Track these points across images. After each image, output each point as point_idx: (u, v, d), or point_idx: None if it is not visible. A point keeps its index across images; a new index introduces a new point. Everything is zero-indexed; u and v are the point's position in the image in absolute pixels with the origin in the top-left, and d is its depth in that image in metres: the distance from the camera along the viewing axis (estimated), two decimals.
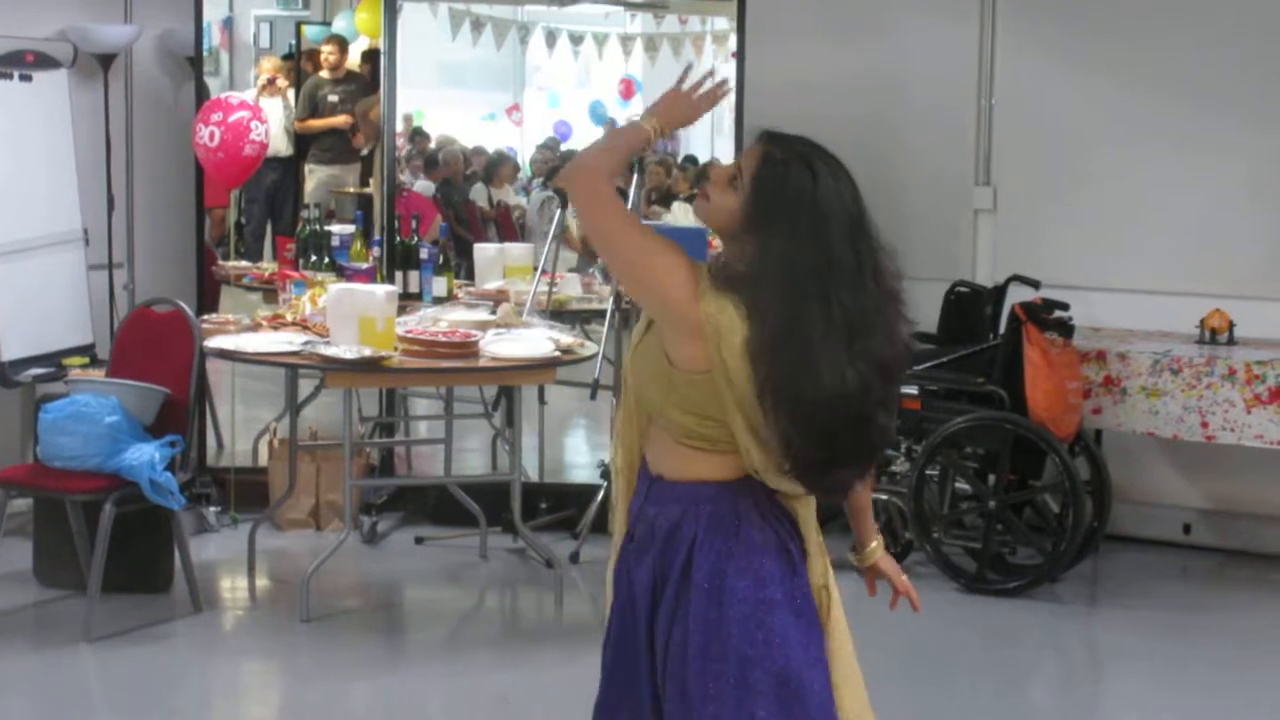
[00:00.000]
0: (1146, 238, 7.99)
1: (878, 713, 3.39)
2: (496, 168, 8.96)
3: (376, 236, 8.02)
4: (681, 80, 3.34)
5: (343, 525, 7.07)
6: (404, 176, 8.52)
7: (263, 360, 6.70)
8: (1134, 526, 7.93)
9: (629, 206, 7.36)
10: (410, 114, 8.68)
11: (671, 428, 3.22)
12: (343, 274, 7.72)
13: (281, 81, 8.80)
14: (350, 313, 6.52)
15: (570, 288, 8.04)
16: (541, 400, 7.98)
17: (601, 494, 7.38)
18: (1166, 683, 6.27)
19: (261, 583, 7.25)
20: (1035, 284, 7.61)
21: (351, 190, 8.94)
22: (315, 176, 8.94)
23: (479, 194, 8.91)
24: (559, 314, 7.63)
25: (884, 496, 7.26)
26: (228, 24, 8.89)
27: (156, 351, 6.62)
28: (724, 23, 8.51)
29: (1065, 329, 7.15)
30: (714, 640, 3.16)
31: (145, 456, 6.20)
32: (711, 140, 8.94)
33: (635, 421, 3.34)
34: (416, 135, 8.71)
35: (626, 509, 3.35)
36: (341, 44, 8.92)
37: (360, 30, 8.86)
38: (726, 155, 8.32)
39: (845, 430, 3.12)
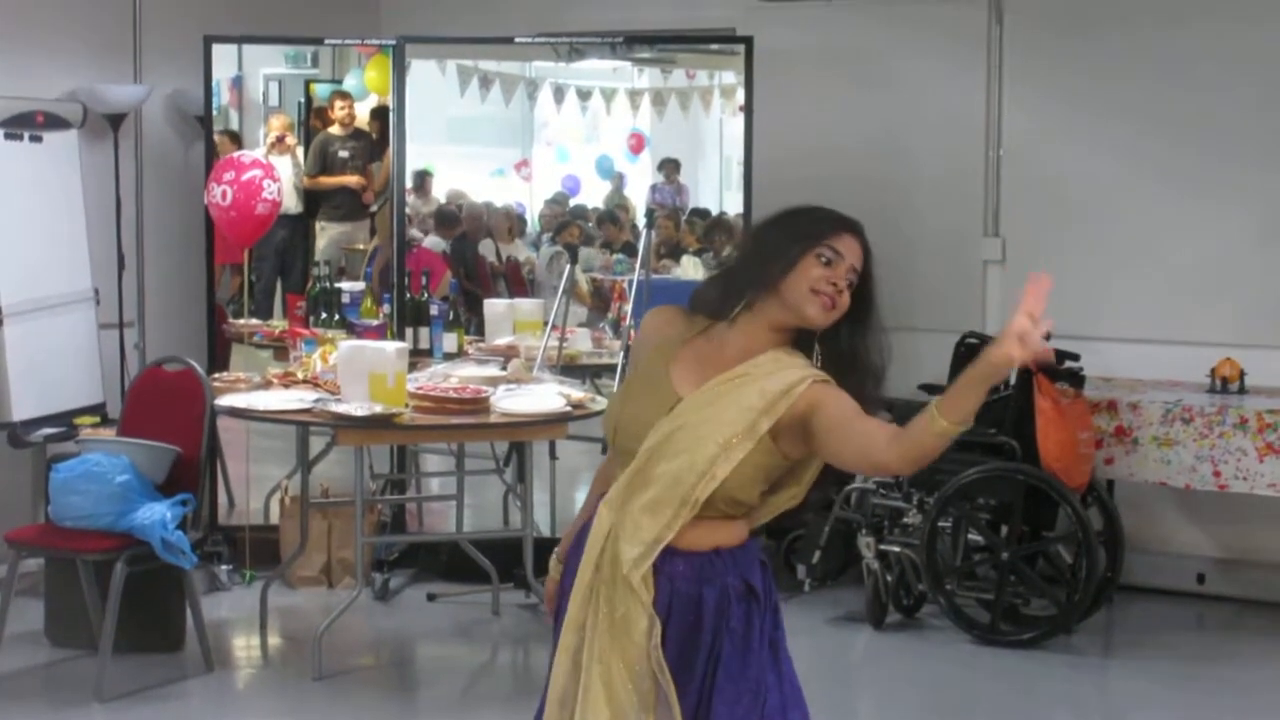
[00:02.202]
0: (1156, 287, 8.00)
1: None
2: (494, 221, 8.98)
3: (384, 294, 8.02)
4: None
5: (354, 582, 7.06)
6: (414, 231, 8.54)
7: (274, 418, 6.70)
8: (1148, 576, 7.90)
9: (639, 261, 7.42)
10: (421, 169, 8.71)
11: (739, 509, 3.36)
12: (353, 331, 7.74)
13: (290, 139, 8.83)
14: (361, 370, 6.52)
15: (580, 343, 8.04)
16: (553, 455, 7.97)
17: None
18: None
19: (274, 641, 7.23)
20: (1045, 335, 7.59)
21: (362, 247, 8.95)
22: (327, 234, 8.95)
23: (487, 249, 8.93)
24: (569, 369, 7.63)
25: (897, 548, 7.25)
26: (237, 82, 8.92)
27: (167, 410, 6.63)
28: (731, 77, 8.54)
29: (1076, 379, 7.15)
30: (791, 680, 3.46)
31: (157, 515, 6.19)
32: (720, 193, 8.96)
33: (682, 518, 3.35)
34: (424, 176, 8.74)
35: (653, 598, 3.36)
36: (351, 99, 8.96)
37: (369, 88, 8.89)
38: (735, 207, 8.33)
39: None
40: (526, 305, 8.36)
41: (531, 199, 9.35)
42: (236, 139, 8.75)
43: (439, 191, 8.90)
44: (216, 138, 8.52)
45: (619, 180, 9.29)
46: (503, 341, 7.96)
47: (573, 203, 9.31)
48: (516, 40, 8.61)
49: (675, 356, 3.40)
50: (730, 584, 3.34)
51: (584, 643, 3.36)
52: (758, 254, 3.36)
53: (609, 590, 3.33)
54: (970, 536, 7.22)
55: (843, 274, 3.30)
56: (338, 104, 8.89)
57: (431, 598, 7.70)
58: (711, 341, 3.40)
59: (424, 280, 8.04)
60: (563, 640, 3.40)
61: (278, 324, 8.47)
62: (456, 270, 8.77)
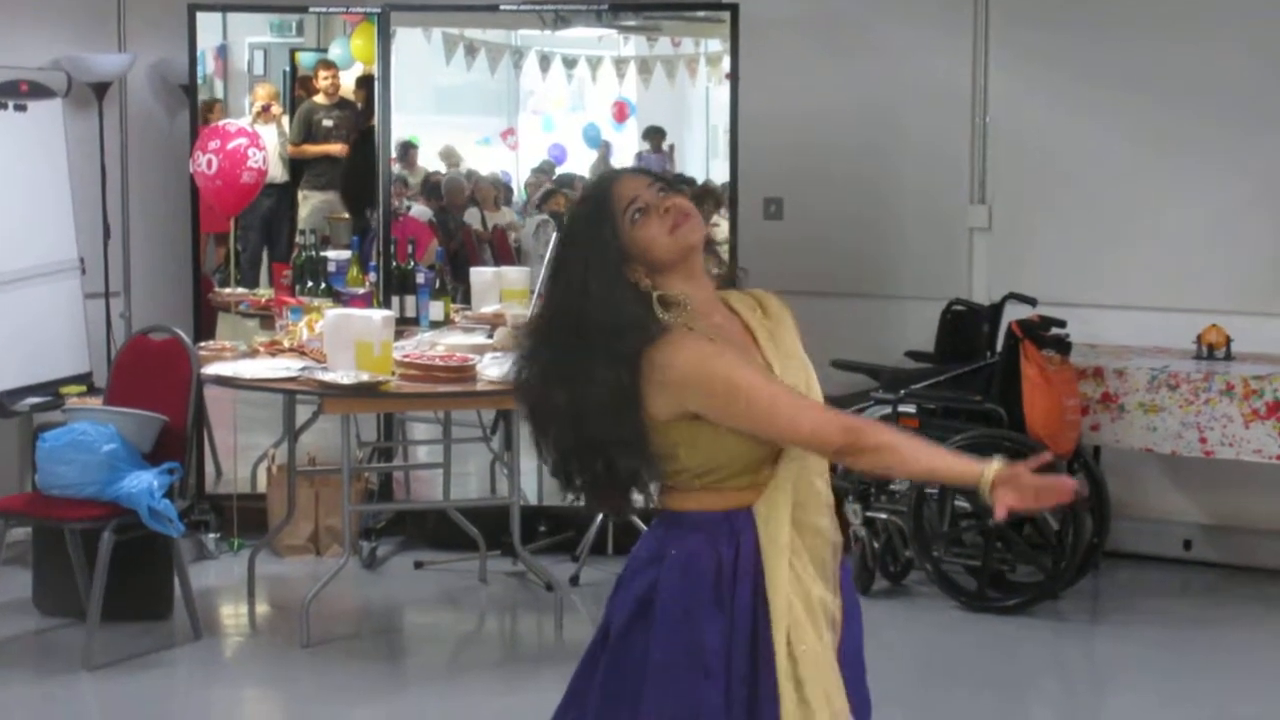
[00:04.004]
0: (1142, 254, 8.00)
1: None
2: (479, 190, 8.96)
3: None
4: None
5: (342, 550, 7.07)
6: (399, 201, 8.52)
7: (260, 386, 6.70)
8: (1134, 543, 7.92)
9: None
10: (407, 139, 8.69)
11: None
12: (339, 299, 7.73)
13: (276, 108, 8.80)
14: (347, 338, 6.52)
15: None
16: None
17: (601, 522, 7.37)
18: (1168, 699, 6.26)
19: (261, 609, 7.24)
20: (1032, 301, 7.61)
21: (346, 215, 8.93)
22: (310, 202, 8.93)
23: (473, 217, 8.91)
24: None
25: (884, 515, 7.26)
26: (221, 51, 8.89)
27: (154, 379, 6.62)
28: (717, 45, 8.51)
29: (1062, 346, 7.15)
30: None
31: (143, 484, 6.20)
32: (707, 161, 8.93)
33: None
34: (408, 149, 8.71)
35: None
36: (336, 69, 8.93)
37: (355, 56, 8.87)
38: (721, 176, 8.32)
39: None
40: (513, 273, 8.33)
41: (518, 168, 9.33)
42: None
43: (428, 158, 8.87)
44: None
45: (605, 149, 9.27)
46: (489, 310, 7.94)
47: (559, 171, 9.29)
48: (502, 8, 8.58)
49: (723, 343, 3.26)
50: None
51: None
52: (604, 274, 3.18)
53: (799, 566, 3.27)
54: (957, 503, 7.22)
55: (654, 198, 3.21)
56: (322, 73, 8.86)
57: (419, 565, 7.71)
58: (701, 322, 3.24)
59: (410, 249, 8.03)
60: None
61: (264, 293, 8.46)
62: (443, 239, 8.76)
